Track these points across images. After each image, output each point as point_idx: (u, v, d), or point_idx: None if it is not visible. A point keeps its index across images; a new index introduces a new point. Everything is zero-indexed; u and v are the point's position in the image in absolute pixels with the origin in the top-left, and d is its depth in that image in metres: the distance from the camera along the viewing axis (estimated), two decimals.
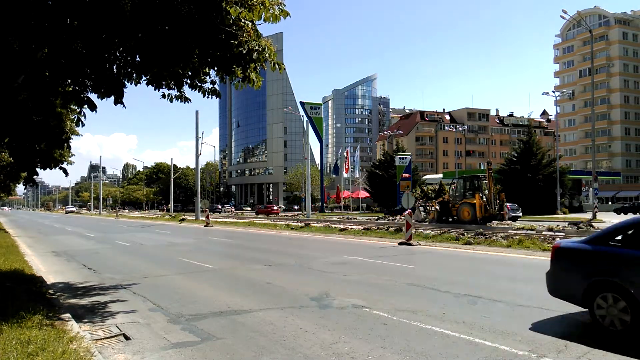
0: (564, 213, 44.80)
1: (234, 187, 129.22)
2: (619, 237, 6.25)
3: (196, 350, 5.67)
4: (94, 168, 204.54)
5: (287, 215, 53.11)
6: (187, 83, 8.10)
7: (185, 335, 6.36)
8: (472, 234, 19.15)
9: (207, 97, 8.24)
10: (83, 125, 9.68)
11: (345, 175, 64.84)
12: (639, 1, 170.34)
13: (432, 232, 21.49)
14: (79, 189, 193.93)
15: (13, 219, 63.82)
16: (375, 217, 38.65)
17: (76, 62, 7.41)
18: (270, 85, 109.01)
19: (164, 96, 8.25)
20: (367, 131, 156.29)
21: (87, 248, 19.52)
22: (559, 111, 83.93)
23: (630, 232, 6.19)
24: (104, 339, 6.21)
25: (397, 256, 14.54)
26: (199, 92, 8.16)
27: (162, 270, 12.58)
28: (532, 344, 5.59)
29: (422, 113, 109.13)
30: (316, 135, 63.05)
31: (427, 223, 28.27)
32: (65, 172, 14.86)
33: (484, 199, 26.06)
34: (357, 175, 67.61)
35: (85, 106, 8.47)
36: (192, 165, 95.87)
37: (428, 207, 30.43)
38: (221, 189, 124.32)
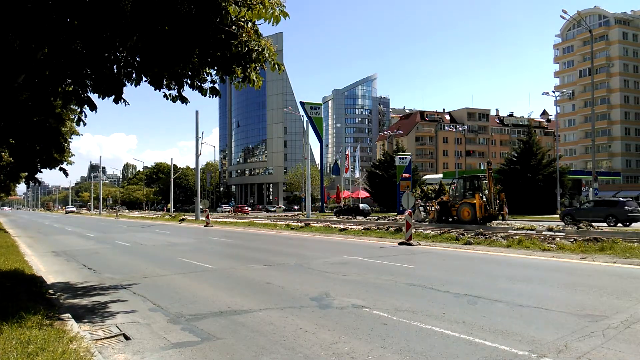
0: None
1: (234, 187, 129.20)
2: None
3: (196, 351, 5.67)
4: (94, 168, 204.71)
5: (287, 215, 53.12)
6: (187, 83, 8.10)
7: (185, 335, 6.36)
8: (472, 234, 19.15)
9: (209, 97, 8.24)
10: (84, 124, 9.70)
11: (345, 175, 64.87)
12: (639, 1, 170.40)
13: (432, 232, 21.49)
14: (79, 189, 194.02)
15: (13, 219, 63.81)
16: (376, 217, 38.64)
17: (76, 62, 7.41)
18: (270, 85, 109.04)
19: (165, 96, 8.25)
20: (367, 131, 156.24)
21: (87, 248, 19.52)
22: (559, 111, 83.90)
23: None
24: (104, 339, 6.21)
25: (397, 256, 14.54)
26: (199, 92, 8.17)
27: (162, 270, 12.58)
28: (532, 344, 5.58)
29: (422, 113, 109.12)
30: (316, 135, 63.03)
31: (427, 223, 28.27)
32: (65, 172, 14.87)
33: (484, 199, 26.06)
34: (357, 175, 67.63)
35: (86, 105, 8.47)
36: (192, 165, 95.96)
37: (428, 207, 30.44)
38: (221, 189, 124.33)
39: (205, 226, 35.36)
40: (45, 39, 6.63)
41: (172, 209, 64.61)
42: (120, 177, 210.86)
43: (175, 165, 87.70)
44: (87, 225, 41.42)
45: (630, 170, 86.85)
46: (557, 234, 18.90)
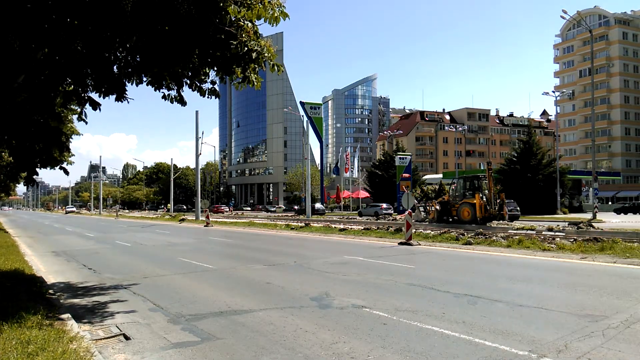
0: (564, 213, 44.82)
1: (234, 187, 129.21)
2: None
3: (196, 351, 5.67)
4: (94, 168, 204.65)
5: (287, 216, 53.13)
6: (187, 83, 8.09)
7: (185, 335, 6.36)
8: (472, 234, 19.15)
9: (208, 97, 8.24)
10: (86, 123, 9.69)
11: (345, 175, 64.86)
12: (639, 1, 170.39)
13: (432, 232, 21.49)
14: (79, 189, 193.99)
15: (13, 219, 63.82)
16: (375, 217, 38.64)
17: (76, 62, 7.41)
18: (270, 85, 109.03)
19: (164, 97, 8.25)
20: (367, 131, 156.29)
21: (87, 248, 19.51)
22: (559, 111, 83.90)
23: None
24: (104, 339, 6.21)
25: (397, 256, 14.54)
26: (198, 92, 8.16)
27: (162, 270, 12.58)
28: (532, 344, 5.59)
29: (422, 113, 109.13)
30: (316, 135, 63.00)
31: (427, 223, 28.28)
32: (66, 171, 14.83)
33: (484, 199, 26.07)
34: (357, 175, 67.63)
35: (87, 104, 8.46)
36: (192, 165, 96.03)
37: (428, 207, 30.44)
38: (221, 189, 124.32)
39: (205, 226, 35.36)
40: (45, 39, 6.63)
41: (172, 209, 64.65)
42: (120, 177, 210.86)
43: (175, 165, 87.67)
44: (87, 225, 41.42)
45: (630, 170, 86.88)
46: (557, 234, 18.90)
